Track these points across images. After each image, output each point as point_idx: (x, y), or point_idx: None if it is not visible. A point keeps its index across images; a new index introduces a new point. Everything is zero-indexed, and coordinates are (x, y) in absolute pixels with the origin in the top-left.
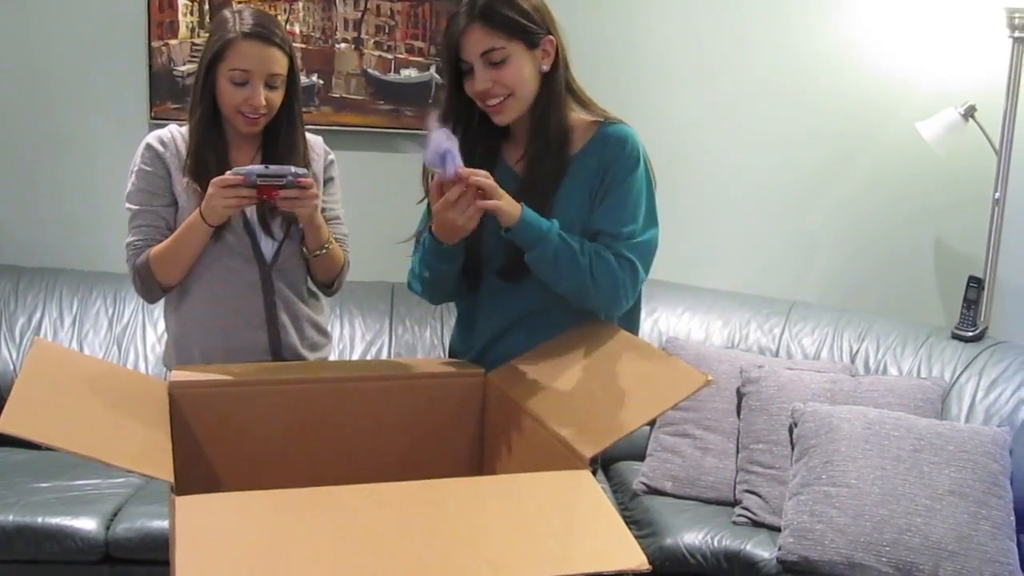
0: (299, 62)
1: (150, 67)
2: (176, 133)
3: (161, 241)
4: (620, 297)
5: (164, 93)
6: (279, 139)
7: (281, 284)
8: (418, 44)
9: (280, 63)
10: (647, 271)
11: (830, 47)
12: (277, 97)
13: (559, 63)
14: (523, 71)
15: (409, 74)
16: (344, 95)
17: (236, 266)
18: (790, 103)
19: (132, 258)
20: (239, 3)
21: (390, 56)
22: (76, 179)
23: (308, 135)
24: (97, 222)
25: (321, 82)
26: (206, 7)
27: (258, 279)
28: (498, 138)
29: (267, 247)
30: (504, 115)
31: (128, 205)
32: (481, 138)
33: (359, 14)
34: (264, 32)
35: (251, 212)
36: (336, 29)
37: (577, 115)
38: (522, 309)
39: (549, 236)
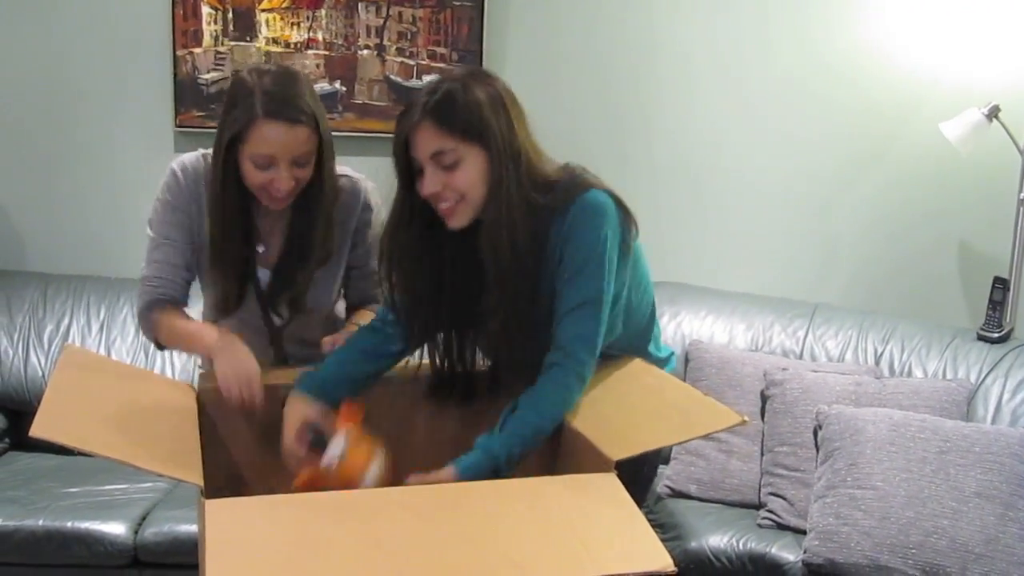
0: (325, 124)
1: (175, 75)
2: (201, 165)
3: (177, 288)
4: (573, 394)
5: (189, 101)
6: (308, 210)
7: (292, 343)
8: (440, 50)
9: (307, 140)
10: (596, 332)
11: (852, 48)
12: (306, 172)
13: (509, 166)
14: (474, 175)
15: (431, 80)
16: (367, 101)
17: (247, 334)
18: (812, 104)
19: (143, 297)
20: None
21: (412, 62)
22: (102, 187)
23: (348, 177)
24: (122, 229)
25: (344, 89)
26: (230, 15)
27: (268, 344)
28: (470, 238)
29: (279, 319)
30: (456, 219)
31: (149, 232)
32: (452, 248)
33: (381, 21)
34: (287, 110)
35: (264, 283)
36: (358, 36)
37: (533, 210)
38: None
39: (496, 465)
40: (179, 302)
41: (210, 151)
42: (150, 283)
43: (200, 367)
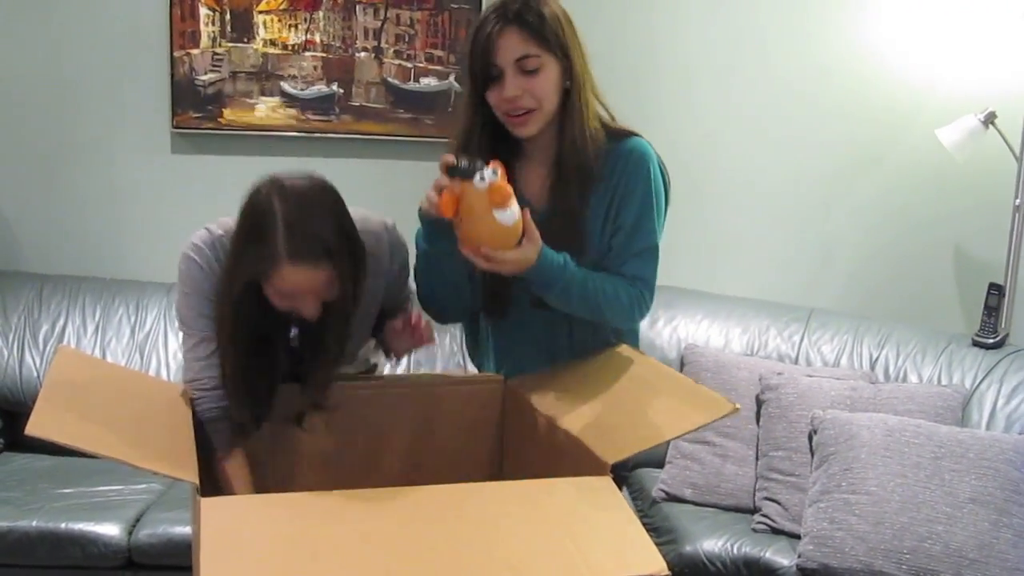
0: (358, 252)
1: (172, 76)
2: (218, 245)
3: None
4: (632, 318)
5: (186, 102)
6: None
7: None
8: (437, 53)
9: (332, 280)
10: (655, 276)
11: (850, 53)
12: (332, 295)
13: (583, 80)
14: (552, 83)
15: (428, 83)
16: (364, 104)
17: None
18: (809, 110)
19: (201, 405)
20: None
21: (410, 65)
22: (98, 188)
23: (368, 232)
24: (119, 230)
25: (341, 91)
26: (228, 16)
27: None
28: (511, 159)
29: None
30: (527, 128)
31: (185, 330)
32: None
33: (379, 23)
34: (312, 253)
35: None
36: (356, 38)
37: (597, 132)
38: (562, 338)
39: (564, 276)
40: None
41: (221, 229)
42: (204, 387)
43: None
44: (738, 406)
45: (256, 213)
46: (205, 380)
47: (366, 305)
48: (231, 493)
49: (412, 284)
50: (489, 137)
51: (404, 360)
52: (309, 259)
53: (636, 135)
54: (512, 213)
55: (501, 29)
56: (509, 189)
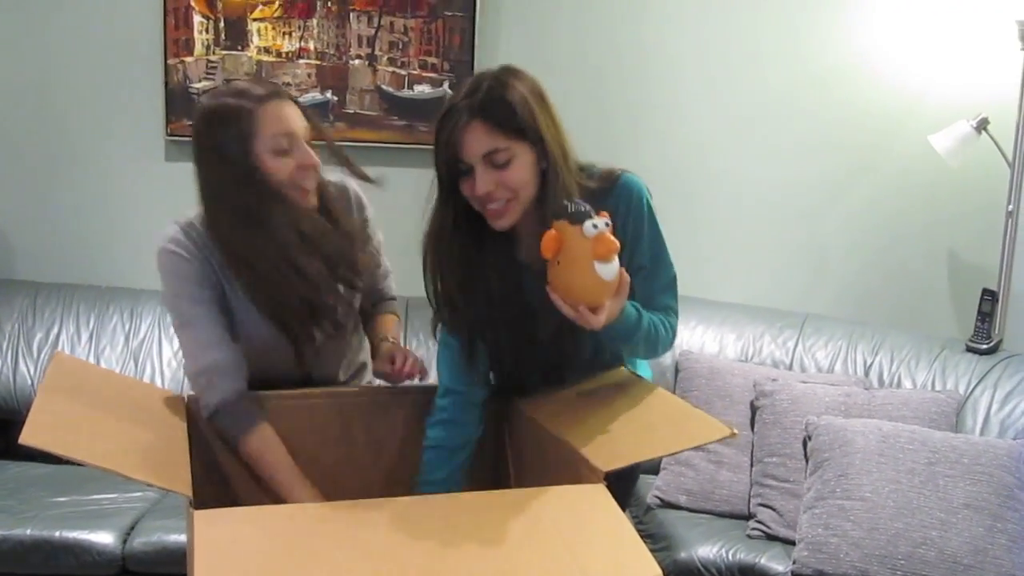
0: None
1: (166, 84)
2: (194, 233)
3: (241, 366)
4: (669, 347)
5: (180, 110)
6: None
7: (320, 372)
8: (431, 60)
9: (304, 115)
10: (678, 302)
11: (842, 60)
12: (318, 154)
13: (559, 154)
14: (526, 172)
15: (423, 90)
16: (358, 111)
17: (276, 366)
18: (802, 116)
19: (210, 399)
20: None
21: (403, 72)
22: (93, 195)
23: (332, 183)
24: (113, 238)
25: (335, 98)
26: (221, 24)
27: (297, 376)
28: (509, 245)
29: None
30: (505, 219)
31: (181, 321)
32: (494, 253)
33: (373, 31)
34: (273, 91)
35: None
36: (350, 46)
37: (583, 188)
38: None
39: (639, 329)
40: (247, 391)
41: (188, 221)
42: (219, 370)
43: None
44: (736, 432)
45: (209, 114)
46: (219, 362)
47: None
48: (266, 471)
49: (388, 264)
50: (468, 225)
51: None
52: (276, 95)
53: (623, 173)
54: (612, 268)
55: (466, 124)
56: (616, 244)
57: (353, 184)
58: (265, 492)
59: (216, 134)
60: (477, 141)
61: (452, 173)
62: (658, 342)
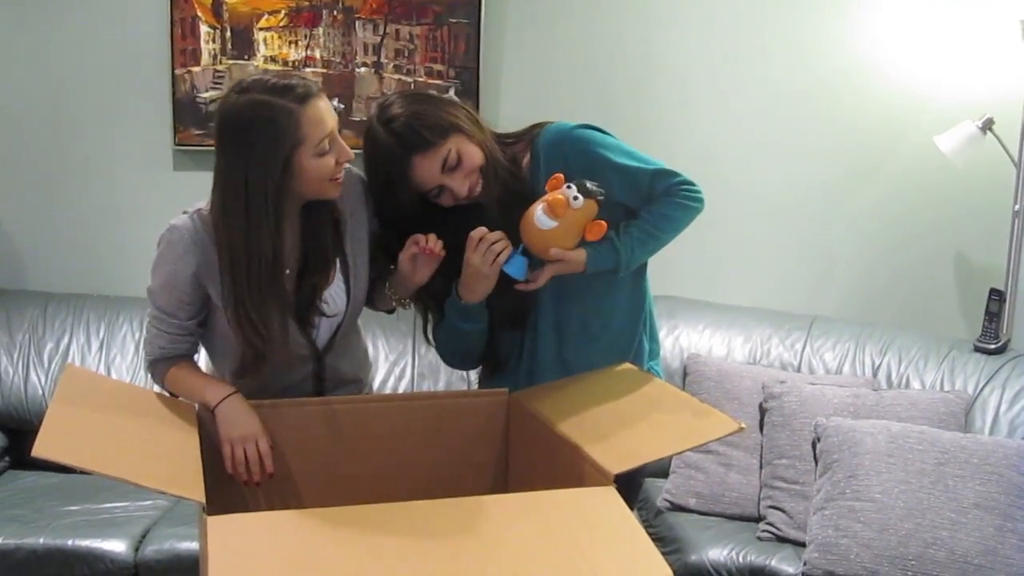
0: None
1: (173, 94)
2: (199, 225)
3: (182, 350)
4: (697, 210)
5: (188, 120)
6: (317, 210)
7: (333, 364)
8: (437, 67)
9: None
10: (680, 173)
11: (847, 62)
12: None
13: (475, 129)
14: (472, 149)
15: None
16: (365, 119)
17: (287, 361)
18: (808, 118)
19: (148, 355)
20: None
21: (410, 79)
22: (101, 206)
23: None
24: (122, 247)
25: (342, 106)
26: (228, 34)
27: (311, 372)
28: (470, 222)
29: (322, 336)
30: (483, 191)
31: (151, 304)
32: (455, 230)
33: (379, 38)
34: (304, 91)
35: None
36: (356, 53)
37: (509, 152)
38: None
39: (621, 254)
40: (187, 358)
41: (199, 208)
42: (153, 349)
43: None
44: (744, 425)
45: (242, 113)
46: (157, 345)
47: (361, 231)
48: (179, 382)
49: None
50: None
51: (407, 376)
52: (310, 94)
53: (543, 125)
54: (546, 223)
55: (409, 163)
56: (564, 209)
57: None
58: (278, 497)
59: (254, 133)
60: (428, 169)
61: (426, 204)
62: (658, 239)
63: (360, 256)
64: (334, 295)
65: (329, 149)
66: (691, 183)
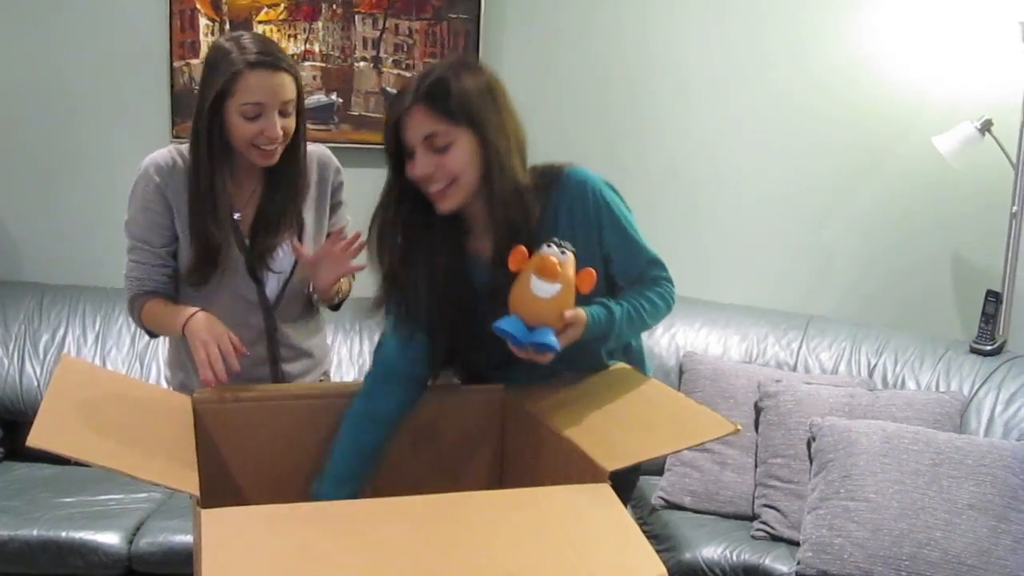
0: (303, 82)
1: (172, 86)
2: (178, 158)
3: (158, 283)
4: (669, 310)
5: (186, 112)
6: (282, 175)
7: (285, 327)
8: (436, 63)
9: (290, 88)
10: (666, 267)
11: (846, 62)
12: (291, 123)
13: (501, 147)
14: (465, 156)
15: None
16: (363, 113)
17: (240, 311)
18: (806, 118)
19: (128, 291)
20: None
21: (408, 75)
22: (98, 198)
23: (314, 147)
24: (119, 239)
25: (340, 100)
26: (227, 27)
27: (263, 327)
28: (459, 232)
29: (271, 290)
30: (447, 202)
31: (127, 236)
32: (442, 235)
33: (377, 33)
34: (271, 59)
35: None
36: (355, 48)
37: (526, 186)
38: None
39: (612, 328)
40: (162, 294)
41: (181, 145)
42: (131, 282)
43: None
44: (739, 426)
45: (215, 51)
46: (133, 277)
47: (317, 211)
48: (155, 315)
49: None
50: (421, 215)
51: None
52: (268, 64)
53: (566, 166)
54: (549, 288)
55: (409, 108)
56: (559, 269)
57: (340, 172)
58: (273, 491)
59: (207, 72)
60: (417, 125)
61: (398, 155)
62: (648, 318)
63: (317, 227)
64: (284, 253)
65: (253, 116)
66: (672, 282)
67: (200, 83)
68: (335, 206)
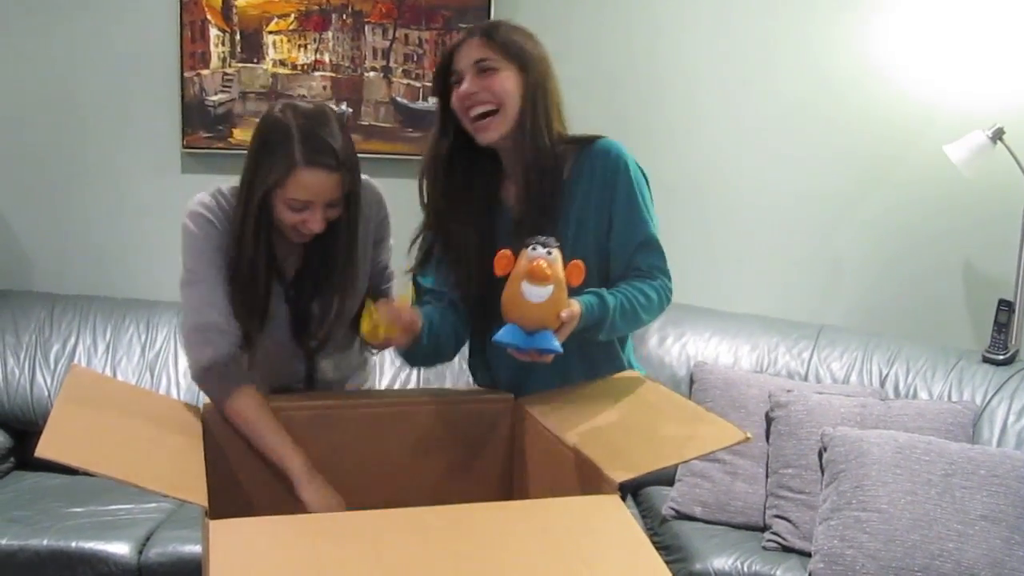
0: (358, 172)
1: (182, 97)
2: (220, 199)
3: (233, 352)
4: (663, 309)
5: (196, 123)
6: (334, 248)
7: (324, 365)
8: None
9: (341, 186)
10: (666, 262)
11: (857, 70)
12: (336, 212)
13: (544, 90)
14: (511, 85)
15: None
16: (373, 123)
17: (284, 356)
18: (817, 127)
19: (199, 362)
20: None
21: (418, 84)
22: (109, 208)
23: (365, 181)
24: (129, 249)
25: (350, 110)
26: (237, 37)
27: (304, 371)
28: (496, 181)
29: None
30: (489, 132)
31: (189, 282)
32: (480, 181)
33: (388, 43)
34: (325, 158)
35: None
36: (365, 58)
37: (561, 138)
38: (573, 359)
39: (605, 319)
40: (240, 357)
41: (219, 189)
42: (219, 328)
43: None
44: (750, 435)
45: (271, 128)
46: (219, 322)
47: (360, 249)
48: (252, 431)
49: (392, 262)
50: (465, 160)
51: (414, 375)
52: (322, 164)
53: (603, 137)
54: (540, 293)
55: (465, 39)
56: (548, 272)
57: (384, 207)
58: (283, 502)
59: (261, 147)
60: (470, 52)
61: (447, 88)
62: (641, 312)
63: (363, 264)
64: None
65: (298, 210)
66: (670, 280)
67: (252, 154)
68: (378, 242)
